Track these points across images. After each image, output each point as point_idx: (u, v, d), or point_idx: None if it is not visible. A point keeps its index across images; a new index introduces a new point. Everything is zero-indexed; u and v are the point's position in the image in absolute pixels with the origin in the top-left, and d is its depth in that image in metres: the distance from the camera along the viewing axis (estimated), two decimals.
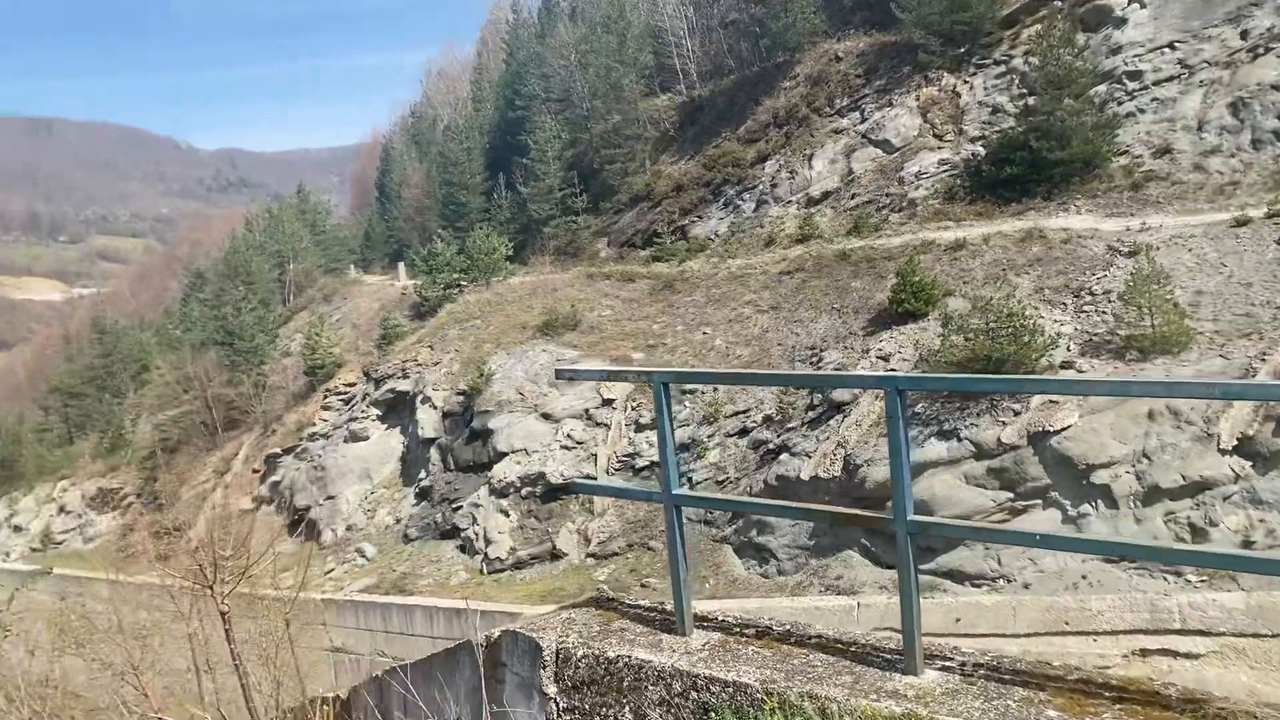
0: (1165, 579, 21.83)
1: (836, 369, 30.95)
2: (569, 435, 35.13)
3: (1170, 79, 35.11)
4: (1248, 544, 21.44)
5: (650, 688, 5.18)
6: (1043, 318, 27.83)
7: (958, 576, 23.97)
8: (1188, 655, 20.82)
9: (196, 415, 54.98)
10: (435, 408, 40.16)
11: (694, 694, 5.00)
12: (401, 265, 62.57)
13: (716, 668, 5.03)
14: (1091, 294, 28.82)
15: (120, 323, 78.87)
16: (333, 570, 37.27)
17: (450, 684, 6.51)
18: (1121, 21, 36.88)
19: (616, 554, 31.15)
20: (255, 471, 47.81)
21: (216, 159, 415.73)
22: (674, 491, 5.67)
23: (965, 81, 40.16)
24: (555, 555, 32.46)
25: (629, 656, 5.34)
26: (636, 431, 33.89)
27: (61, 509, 56.16)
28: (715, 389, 32.98)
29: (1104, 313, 27.90)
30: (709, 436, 32.27)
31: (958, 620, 22.59)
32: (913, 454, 24.98)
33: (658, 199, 48.57)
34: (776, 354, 33.89)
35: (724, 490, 30.32)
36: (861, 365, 30.54)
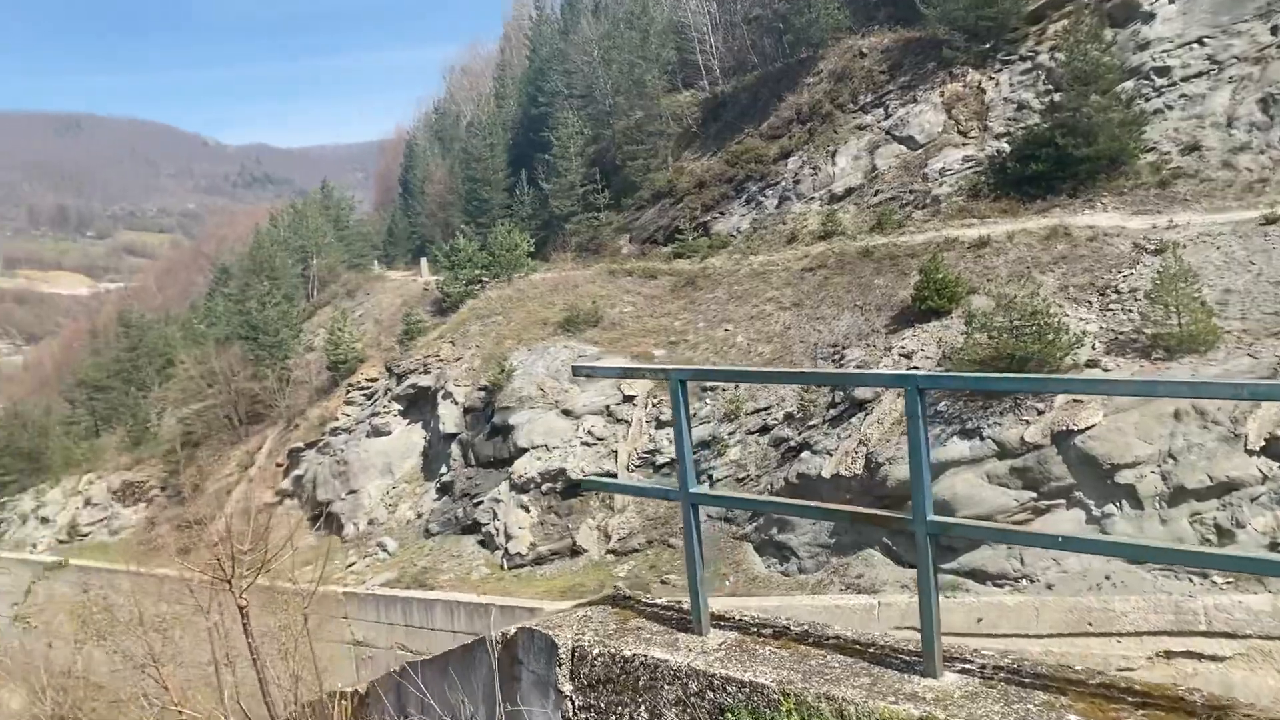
0: (1190, 580, 21.59)
1: (859, 367, 30.79)
2: (590, 431, 35.13)
3: (1199, 75, 34.71)
4: (1275, 546, 21.19)
5: (666, 687, 5.14)
6: (1067, 316, 27.59)
7: (980, 576, 23.80)
8: (1213, 658, 20.61)
9: (221, 409, 55.37)
10: (457, 403, 40.27)
11: (710, 694, 4.95)
12: (424, 261, 62.78)
13: (733, 668, 4.99)
14: (1117, 292, 28.54)
15: (146, 317, 79.56)
16: (354, 564, 37.46)
17: (467, 680, 6.50)
18: (1150, 17, 36.48)
19: (637, 550, 31.12)
20: (278, 465, 48.11)
21: (242, 155, 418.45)
22: (691, 490, 5.63)
23: (990, 77, 39.85)
24: (575, 551, 32.47)
25: (645, 655, 5.31)
26: (657, 428, 33.85)
27: (88, 501, 56.68)
28: (736, 386, 32.89)
29: (1130, 311, 27.63)
30: (730, 434, 32.19)
31: (979, 620, 22.44)
32: (935, 453, 24.94)
33: (680, 195, 48.49)
34: (798, 351, 33.76)
35: (744, 488, 30.25)
36: (884, 363, 30.36)
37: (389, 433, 43.43)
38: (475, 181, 65.21)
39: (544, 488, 34.52)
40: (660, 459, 32.74)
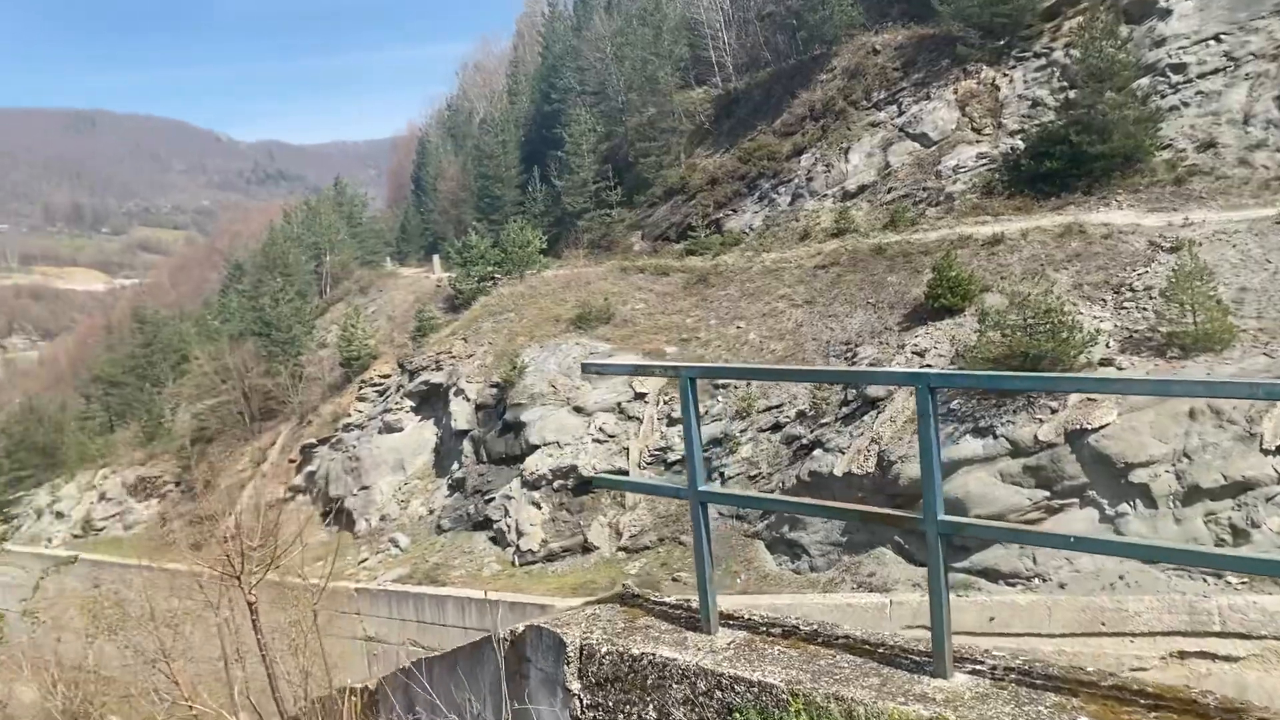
0: (1205, 580, 21.46)
1: (871, 364, 30.68)
2: (601, 429, 35.13)
3: (1215, 72, 34.48)
4: None
5: (674, 686, 5.12)
6: (1082, 314, 27.44)
7: (992, 575, 23.70)
8: (1227, 658, 20.48)
9: (234, 405, 55.59)
10: (468, 400, 40.33)
11: (718, 693, 4.93)
12: (436, 258, 62.88)
13: (741, 667, 4.96)
14: (1132, 290, 28.38)
15: (160, 313, 79.88)
16: (366, 560, 37.56)
17: (476, 677, 6.49)
18: (1166, 13, 36.25)
19: (648, 548, 31.11)
20: (291, 461, 48.27)
21: (256, 151, 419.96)
22: (700, 488, 5.60)
23: (1005, 74, 39.66)
24: (587, 548, 32.48)
25: (653, 654, 5.28)
26: (669, 426, 33.82)
27: (102, 496, 57.01)
28: (748, 384, 32.83)
29: (1145, 309, 27.47)
30: (741, 431, 32.14)
31: (992, 619, 22.35)
32: (947, 451, 24.85)
33: (692, 192, 48.43)
34: (811, 349, 33.68)
35: (756, 485, 30.20)
36: (897, 361, 30.26)
37: (401, 429, 43.53)
38: (488, 178, 65.27)
39: (555, 484, 34.54)
40: (672, 456, 32.72)
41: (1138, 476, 23.11)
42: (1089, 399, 24.26)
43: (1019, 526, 6.07)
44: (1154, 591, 21.62)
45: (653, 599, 6.20)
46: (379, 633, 32.29)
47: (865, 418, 28.90)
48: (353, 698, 8.36)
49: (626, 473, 33.08)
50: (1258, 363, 23.97)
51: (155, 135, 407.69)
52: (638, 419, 34.98)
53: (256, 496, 40.70)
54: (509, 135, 67.68)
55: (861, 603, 24.22)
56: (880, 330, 32.39)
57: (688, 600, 6.03)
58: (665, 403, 34.65)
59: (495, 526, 35.16)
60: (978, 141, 38.72)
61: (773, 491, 29.49)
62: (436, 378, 42.97)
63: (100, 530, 54.42)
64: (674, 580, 28.00)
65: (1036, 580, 23.34)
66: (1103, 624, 21.54)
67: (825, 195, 42.17)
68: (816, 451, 29.38)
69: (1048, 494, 24.24)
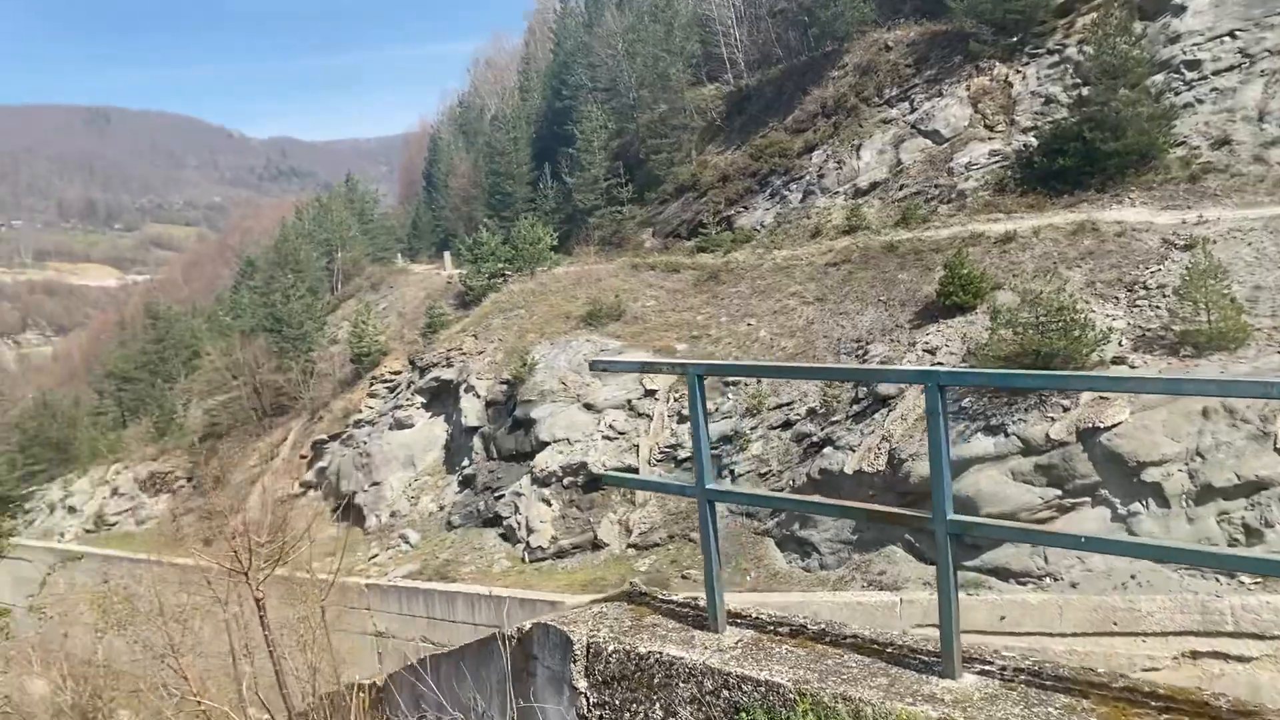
0: (1217, 580, 21.35)
1: (882, 362, 30.59)
2: (611, 426, 35.11)
3: (1230, 68, 34.25)
4: None
5: (681, 685, 5.10)
6: (1094, 312, 27.31)
7: (1003, 574, 23.62)
8: (1239, 658, 20.37)
9: (245, 401, 55.74)
10: (479, 396, 40.36)
11: (725, 693, 4.90)
12: (447, 254, 62.89)
13: (749, 666, 4.93)
14: (1145, 288, 28.23)
15: (173, 309, 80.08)
16: (377, 556, 37.64)
17: (483, 674, 6.48)
18: (1180, 10, 36.03)
19: (658, 545, 31.10)
20: (302, 457, 48.38)
21: (268, 148, 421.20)
22: (707, 486, 5.57)
23: (1018, 71, 39.48)
24: (596, 545, 32.48)
25: (660, 653, 5.26)
26: (679, 423, 33.78)
27: (115, 491, 57.22)
28: (759, 381, 32.77)
29: (1158, 307, 27.32)
30: (752, 429, 32.09)
31: (1002, 618, 22.28)
32: (958, 449, 24.75)
33: (703, 189, 48.35)
34: (821, 346, 33.60)
35: (766, 483, 30.16)
36: (908, 358, 30.16)
37: (412, 425, 43.59)
38: (499, 175, 65.27)
39: (565, 481, 34.54)
40: (682, 453, 32.67)
41: (1150, 475, 23.00)
42: (1101, 397, 24.14)
43: (1029, 526, 6.03)
44: (1166, 591, 21.51)
45: (660, 597, 6.18)
46: (389, 629, 32.37)
47: (876, 415, 28.82)
48: (361, 694, 8.37)
49: (636, 470, 33.07)
50: (1272, 361, 23.82)
51: (168, 132, 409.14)
52: (648, 416, 34.95)
53: (267, 492, 40.83)
54: (520, 132, 67.66)
55: (872, 601, 24.17)
56: (891, 328, 32.29)
57: (695, 599, 6.00)
58: (675, 400, 34.61)
59: (505, 523, 35.18)
60: (990, 138, 38.56)
61: (783, 489, 29.44)
62: (447, 374, 43.01)
63: (113, 525, 54.62)
64: (684, 578, 27.98)
65: (1048, 579, 23.24)
66: (1115, 623, 21.45)
67: (837, 192, 42.05)
68: (827, 449, 29.32)
69: (1059, 493, 24.14)
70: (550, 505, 34.35)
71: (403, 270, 66.02)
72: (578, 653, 5.60)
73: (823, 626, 5.41)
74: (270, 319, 57.74)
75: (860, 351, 32.22)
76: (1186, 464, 22.78)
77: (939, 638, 4.72)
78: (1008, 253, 32.14)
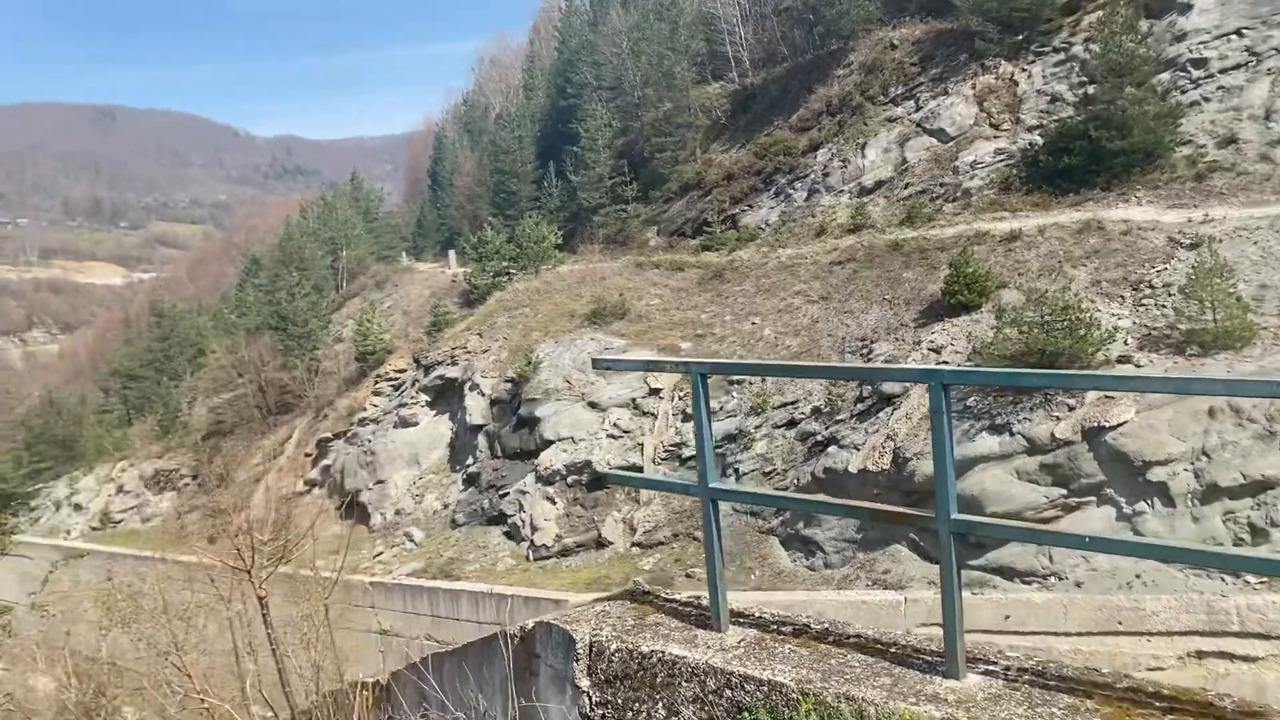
0: (1222, 580, 21.29)
1: (887, 361, 30.54)
2: (615, 424, 35.11)
3: (1237, 66, 34.15)
4: None
5: (684, 684, 5.08)
6: (1100, 311, 27.25)
7: (1008, 573, 23.57)
8: (1245, 658, 20.31)
9: (250, 399, 55.82)
10: (483, 395, 40.37)
11: (728, 692, 4.89)
12: (452, 253, 62.94)
13: (751, 666, 4.92)
14: (1151, 287, 28.16)
15: (178, 307, 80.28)
16: (381, 554, 37.66)
17: (486, 673, 6.47)
18: (1187, 8, 35.94)
19: (662, 543, 31.09)
20: (307, 455, 48.42)
21: (273, 146, 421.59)
22: (710, 485, 5.56)
23: (1023, 69, 39.40)
24: (600, 544, 32.48)
25: (663, 652, 5.25)
26: (684, 421, 33.76)
27: (120, 489, 57.33)
28: (764, 380, 32.75)
29: (1164, 306, 27.26)
30: (756, 427, 32.06)
31: (1007, 618, 22.23)
32: (964, 448, 24.71)
33: (708, 188, 48.33)
34: (826, 345, 33.56)
35: (771, 482, 30.13)
36: (913, 357, 30.11)
37: (416, 423, 43.61)
38: (503, 173, 65.30)
39: (570, 480, 34.54)
40: (686, 452, 32.64)
41: (1156, 475, 22.95)
42: (1107, 397, 24.09)
43: (1033, 526, 6.01)
44: (1171, 591, 21.46)
45: (663, 596, 6.17)
46: (394, 627, 32.39)
47: (881, 414, 28.78)
48: (364, 692, 8.35)
49: (641, 469, 33.06)
50: (1278, 360, 23.75)
51: (174, 130, 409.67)
52: (652, 415, 34.94)
53: (270, 490, 40.88)
54: (525, 130, 67.69)
55: (876, 600, 24.13)
56: (896, 327, 32.24)
57: (698, 597, 5.99)
58: (680, 398, 34.60)
59: (510, 521, 35.19)
60: (995, 137, 38.48)
61: (787, 488, 29.43)
62: (452, 372, 43.03)
63: (118, 523, 54.73)
64: (688, 576, 27.97)
65: (1053, 579, 23.20)
66: (1119, 623, 21.40)
67: (841, 191, 42.00)
68: (831, 448, 29.29)
69: (1065, 492, 24.09)
70: (554, 503, 34.36)
71: (407, 268, 66.06)
72: (580, 652, 5.58)
73: (826, 626, 5.39)
74: (275, 317, 57.82)
75: (865, 350, 32.18)
76: (1192, 463, 22.73)
77: (942, 637, 4.71)
78: (1013, 251, 32.08)
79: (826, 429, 30.04)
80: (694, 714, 5.00)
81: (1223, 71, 34.32)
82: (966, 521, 4.76)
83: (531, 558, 33.50)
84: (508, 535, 35.12)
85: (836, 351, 32.90)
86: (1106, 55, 34.18)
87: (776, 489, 29.17)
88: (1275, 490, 21.79)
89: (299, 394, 53.33)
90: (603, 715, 5.44)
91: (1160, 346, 26.08)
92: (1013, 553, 23.58)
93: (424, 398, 44.15)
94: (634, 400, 35.44)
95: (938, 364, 28.20)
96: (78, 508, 58.10)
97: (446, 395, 43.38)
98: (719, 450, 31.56)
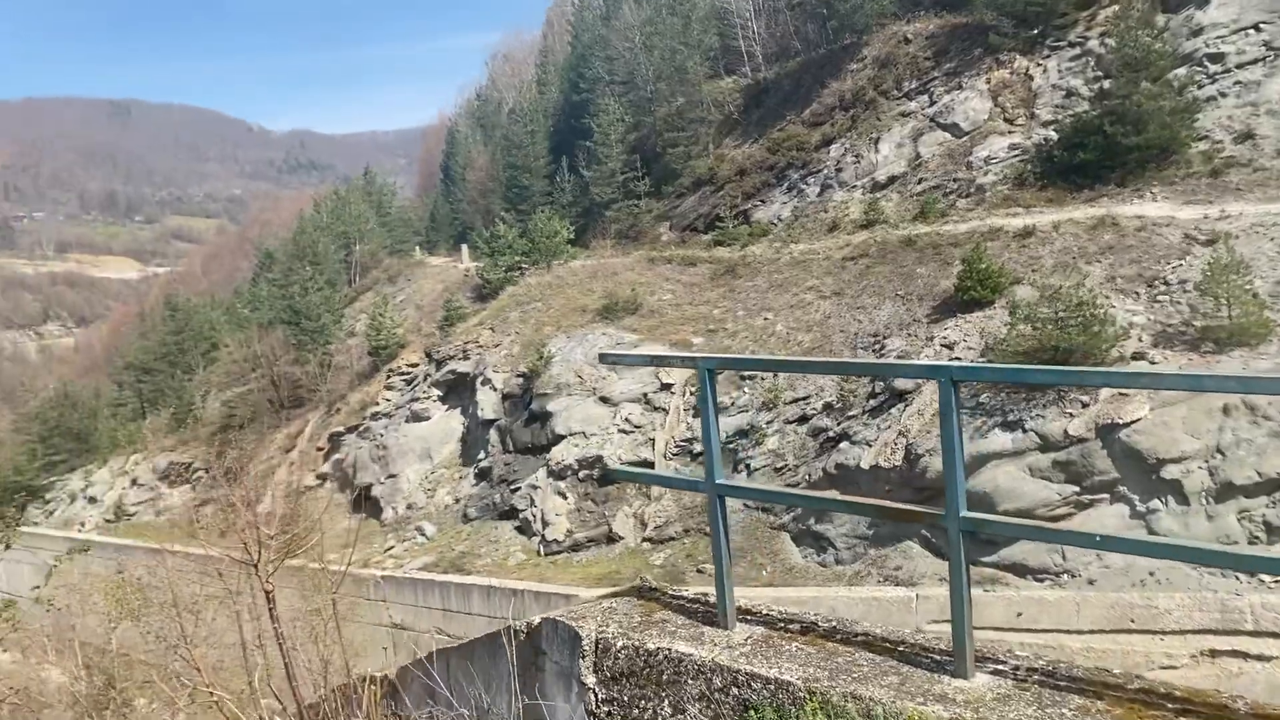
0: (1237, 578, 21.14)
1: (899, 357, 30.43)
2: (627, 419, 35.09)
3: (1254, 61, 33.89)
4: None
5: (690, 682, 5.05)
6: (1114, 307, 27.08)
7: (1020, 570, 23.47)
8: (1259, 657, 20.17)
9: (263, 393, 55.96)
10: (495, 389, 40.40)
11: (734, 690, 4.85)
12: (465, 247, 62.95)
13: (758, 664, 4.88)
14: (1166, 283, 27.97)
15: (192, 301, 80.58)
16: (393, 548, 37.74)
17: (493, 668, 6.45)
18: (1204, 2, 35.68)
19: (673, 539, 31.06)
20: (319, 449, 48.55)
21: (287, 141, 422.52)
22: (717, 481, 5.51)
23: (1038, 64, 39.18)
24: (611, 538, 32.48)
25: (669, 649, 5.21)
26: (695, 417, 33.72)
27: (134, 482, 57.61)
28: (775, 375, 32.68)
29: (1179, 303, 27.07)
30: (768, 423, 32.00)
31: (1019, 615, 22.12)
32: (976, 445, 24.60)
33: (720, 183, 48.23)
34: (838, 340, 33.46)
35: (782, 477, 30.06)
36: (925, 353, 30.00)
37: (428, 418, 43.68)
38: (516, 168, 65.30)
39: (581, 475, 34.55)
40: (698, 447, 32.61)
41: (1170, 472, 22.80)
42: (1120, 394, 23.94)
43: (1043, 525, 5.95)
44: (1185, 589, 21.32)
45: (670, 593, 6.13)
46: (405, 620, 32.47)
47: (893, 410, 28.68)
48: (372, 687, 8.35)
49: (652, 464, 33.04)
50: None
51: (189, 125, 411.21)
52: (664, 410, 34.91)
53: (279, 484, 41.01)
54: (537, 125, 67.65)
55: (887, 597, 24.04)
56: (909, 322, 32.12)
57: (705, 594, 5.95)
58: (692, 394, 34.55)
59: (521, 516, 35.23)
60: (1010, 132, 38.28)
61: (799, 484, 29.36)
62: (464, 367, 43.07)
63: (132, 515, 55.00)
64: (699, 572, 27.94)
65: (1065, 576, 23.08)
66: (1132, 621, 21.27)
67: (854, 186, 41.86)
68: (843, 444, 29.20)
69: (1077, 489, 23.96)
70: (565, 498, 34.38)
71: (420, 263, 66.11)
72: (586, 648, 5.56)
73: (834, 624, 5.35)
74: (288, 311, 57.97)
75: (877, 346, 32.07)
76: (1206, 461, 22.58)
77: (951, 636, 4.66)
78: (1027, 247, 31.91)
79: (839, 425, 29.96)
80: (700, 712, 4.96)
81: (1240, 66, 34.06)
82: (976, 519, 4.71)
83: (542, 552, 33.52)
84: (519, 530, 35.15)
85: (849, 347, 32.79)
86: (1122, 50, 33.97)
87: (788, 485, 29.11)
88: None
89: (311, 388, 53.46)
90: (608, 712, 5.41)
91: (1175, 343, 25.90)
92: (1025, 550, 23.47)
93: (436, 392, 44.21)
94: (645, 395, 35.41)
95: (950, 360, 28.08)
96: (92, 500, 58.41)
97: (458, 390, 43.43)
98: (731, 446, 31.51)
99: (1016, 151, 37.44)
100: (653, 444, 34.10)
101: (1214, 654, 20.46)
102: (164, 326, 77.02)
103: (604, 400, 35.99)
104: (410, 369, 47.36)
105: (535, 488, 35.26)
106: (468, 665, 6.82)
